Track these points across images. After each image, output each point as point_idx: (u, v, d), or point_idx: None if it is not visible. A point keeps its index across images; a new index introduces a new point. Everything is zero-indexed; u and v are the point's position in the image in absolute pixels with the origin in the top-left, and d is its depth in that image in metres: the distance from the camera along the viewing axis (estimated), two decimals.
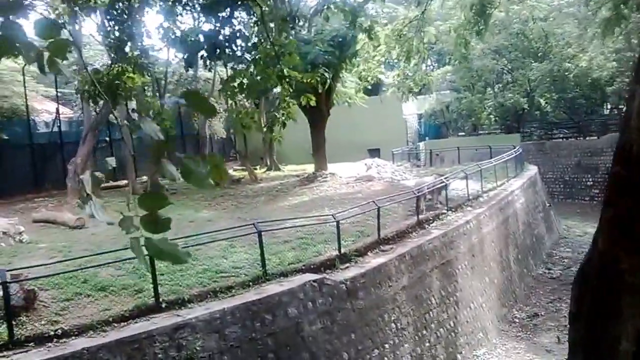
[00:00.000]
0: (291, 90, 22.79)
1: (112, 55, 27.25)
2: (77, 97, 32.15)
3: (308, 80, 25.10)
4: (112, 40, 25.95)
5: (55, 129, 42.98)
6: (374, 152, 54.42)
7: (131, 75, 25.75)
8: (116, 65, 25.90)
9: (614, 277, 5.93)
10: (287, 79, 22.18)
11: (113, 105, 27.69)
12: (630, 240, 5.87)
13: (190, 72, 52.46)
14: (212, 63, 24.21)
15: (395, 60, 37.43)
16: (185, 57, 22.91)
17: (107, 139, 46.17)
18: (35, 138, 41.68)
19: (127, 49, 24.69)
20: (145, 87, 45.52)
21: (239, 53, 23.74)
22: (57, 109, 43.20)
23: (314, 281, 17.49)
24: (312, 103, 24.70)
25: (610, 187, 6.14)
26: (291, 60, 21.47)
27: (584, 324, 6.41)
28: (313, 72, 31.30)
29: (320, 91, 38.10)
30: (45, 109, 45.16)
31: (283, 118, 27.57)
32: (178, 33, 22.69)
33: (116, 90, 25.71)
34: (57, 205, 32.36)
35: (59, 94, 43.07)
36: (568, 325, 6.92)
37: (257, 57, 22.03)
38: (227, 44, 22.40)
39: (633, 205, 5.77)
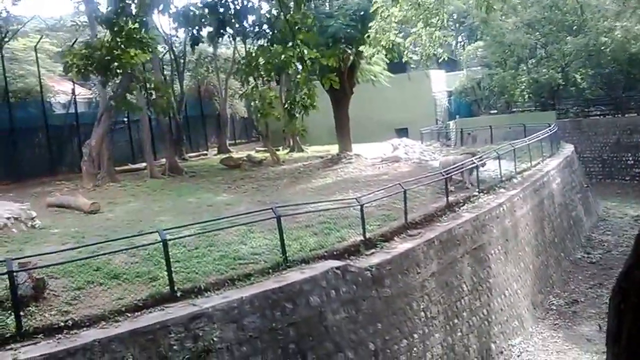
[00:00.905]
0: (313, 72, 22.52)
1: (103, 28, 26.84)
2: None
3: (329, 60, 24.75)
4: (101, 13, 25.52)
5: (72, 110, 43.01)
6: (402, 132, 54.16)
7: (127, 51, 25.44)
8: (109, 40, 25.55)
9: None
10: (308, 61, 21.85)
11: (104, 82, 27.50)
12: None
13: (210, 50, 52.50)
14: (219, 40, 23.87)
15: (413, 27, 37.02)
16: (189, 33, 22.49)
17: (125, 120, 46.13)
18: (51, 119, 41.94)
19: (121, 23, 24.33)
20: (164, 66, 45.59)
21: (249, 29, 23.29)
22: (73, 89, 43.24)
23: (337, 268, 17.31)
24: (335, 85, 24.40)
25: None
26: (309, 37, 21.12)
27: (625, 349, 5.66)
28: (334, 47, 30.97)
29: (342, 69, 37.97)
30: (63, 90, 45.20)
31: (303, 101, 27.17)
32: (180, 6, 22.19)
33: (108, 66, 25.46)
34: (73, 189, 32.45)
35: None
36: (606, 348, 6.18)
37: (272, 34, 21.64)
38: (235, 19, 22.01)
39: None
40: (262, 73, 26.44)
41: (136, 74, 29.36)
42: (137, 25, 25.18)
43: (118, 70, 27.95)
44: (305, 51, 23.40)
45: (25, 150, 39.45)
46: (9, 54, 41.36)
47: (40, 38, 41.77)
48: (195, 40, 22.24)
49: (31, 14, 49.23)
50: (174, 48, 50.65)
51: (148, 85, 35.39)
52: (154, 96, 35.62)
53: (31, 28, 48.33)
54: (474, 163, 28.08)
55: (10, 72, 40.44)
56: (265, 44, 25.33)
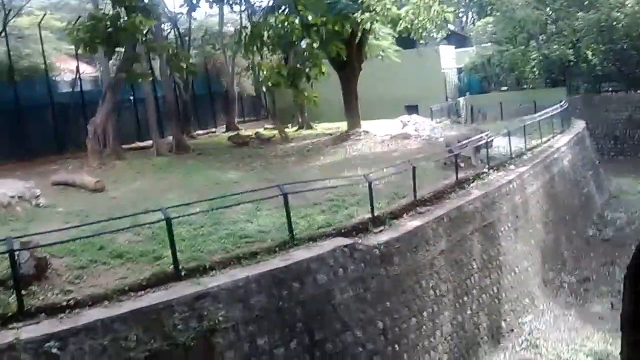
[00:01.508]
0: (320, 40, 22.30)
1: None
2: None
3: (336, 27, 24.47)
4: None
5: (78, 88, 42.93)
6: (412, 109, 53.83)
7: (132, 20, 25.23)
8: (115, 10, 25.37)
9: None
10: (314, 27, 21.60)
11: (110, 54, 27.27)
12: None
13: (216, 27, 52.29)
14: (217, 5, 23.61)
15: None
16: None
17: (131, 97, 45.96)
18: (56, 98, 41.86)
19: None
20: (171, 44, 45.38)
21: None
22: (77, 67, 43.14)
23: (345, 246, 17.25)
24: (342, 53, 24.15)
25: None
26: (315, 5, 20.85)
27: None
28: (341, 21, 30.72)
29: (351, 43, 37.72)
30: (69, 68, 45.11)
31: (308, 70, 26.91)
32: None
33: (114, 36, 25.27)
34: (78, 167, 32.35)
35: (80, 52, 42.87)
36: (621, 334, 5.77)
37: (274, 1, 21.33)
38: None
39: None
40: (267, 42, 26.26)
41: (143, 41, 29.04)
42: None
43: (124, 41, 27.74)
44: (310, 17, 23.24)
45: (31, 129, 39.24)
46: (15, 31, 41.22)
47: (44, 15, 41.49)
48: (192, 7, 22.06)
49: None
50: (178, 26, 50.47)
51: (157, 51, 35.13)
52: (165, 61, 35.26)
53: (36, 5, 48.07)
54: (481, 140, 27.90)
55: (15, 51, 40.23)
56: (268, 12, 25.26)
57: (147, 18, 27.61)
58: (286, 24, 25.60)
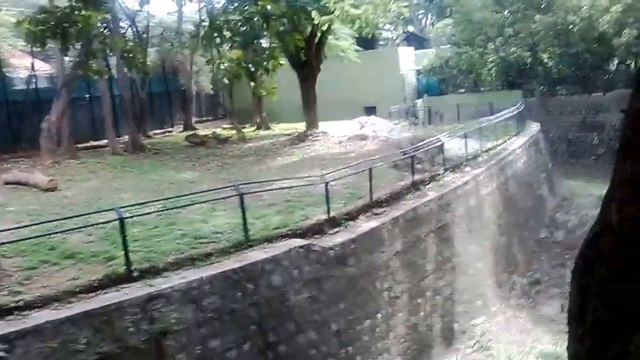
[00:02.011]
0: (277, 33, 22.20)
1: None
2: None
3: (294, 18, 24.40)
4: None
5: (33, 85, 42.58)
6: (370, 110, 54.20)
7: (84, 13, 24.96)
8: (68, 4, 25.07)
9: (634, 267, 4.60)
10: (273, 17, 21.46)
11: (64, 49, 26.94)
12: None
13: (175, 25, 52.06)
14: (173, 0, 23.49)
15: None
16: None
17: (87, 96, 45.50)
18: (10, 95, 41.48)
19: None
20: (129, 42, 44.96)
21: None
22: (33, 64, 42.81)
23: (301, 247, 17.20)
24: (301, 44, 24.05)
25: (632, 131, 4.79)
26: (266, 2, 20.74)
27: (589, 333, 5.14)
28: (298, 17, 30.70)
29: (309, 43, 37.69)
30: (25, 65, 44.71)
31: (266, 64, 26.85)
32: None
33: (65, 30, 24.97)
34: (31, 166, 32.06)
35: (36, 49, 42.56)
36: (568, 328, 5.71)
37: None
38: None
39: None
40: (225, 37, 26.14)
41: (98, 36, 28.76)
42: None
43: (75, 35, 27.44)
44: (269, 7, 23.13)
45: None
46: None
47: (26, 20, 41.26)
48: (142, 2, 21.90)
49: None
50: (137, 23, 50.18)
51: (113, 47, 34.83)
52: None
53: None
54: (434, 143, 28.05)
55: None
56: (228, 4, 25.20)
57: (97, 11, 27.29)
58: (245, 14, 25.44)
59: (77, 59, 34.17)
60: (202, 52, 44.83)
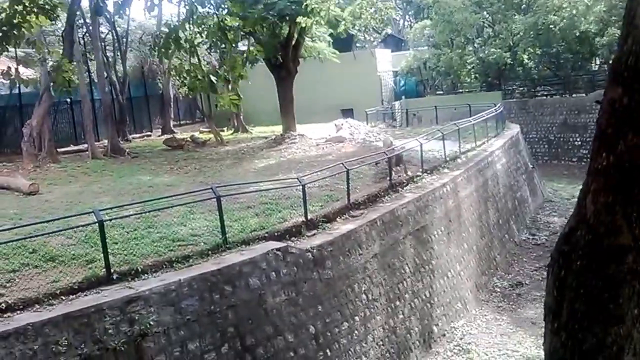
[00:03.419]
0: (233, 45, 22.36)
1: None
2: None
3: (252, 27, 24.60)
4: None
5: (15, 91, 42.85)
6: (347, 113, 54.22)
7: (29, 18, 25.07)
8: (12, 6, 25.16)
9: (609, 259, 4.80)
10: (230, 30, 21.68)
11: (0, 51, 27.03)
12: (638, 201, 4.72)
13: (154, 28, 52.32)
14: (127, 10, 23.60)
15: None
16: (94, 2, 22.29)
17: (68, 100, 45.78)
18: None
19: None
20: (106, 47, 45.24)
21: None
22: (17, 69, 42.98)
23: (278, 249, 17.44)
24: (261, 55, 24.22)
25: (606, 121, 4.87)
26: (236, 7, 21.02)
27: (565, 326, 5.21)
28: (279, 23, 30.94)
29: (285, 46, 38.00)
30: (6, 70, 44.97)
31: (226, 75, 26.90)
32: None
33: (7, 33, 25.08)
34: (13, 170, 32.28)
35: (20, 54, 42.82)
36: (544, 325, 5.72)
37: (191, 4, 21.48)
38: None
39: None
40: (184, 46, 26.22)
41: (37, 45, 28.88)
42: None
43: (18, 39, 27.49)
44: (227, 19, 23.31)
45: None
46: None
47: None
48: (98, 10, 22.05)
49: None
50: (116, 28, 50.54)
51: (48, 58, 34.88)
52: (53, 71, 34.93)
53: None
54: (411, 146, 28.44)
55: None
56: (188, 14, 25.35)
57: (46, 17, 27.38)
58: (202, 26, 25.58)
59: (54, 65, 34.26)
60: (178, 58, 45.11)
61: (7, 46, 27.59)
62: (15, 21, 25.29)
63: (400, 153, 27.44)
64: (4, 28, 25.52)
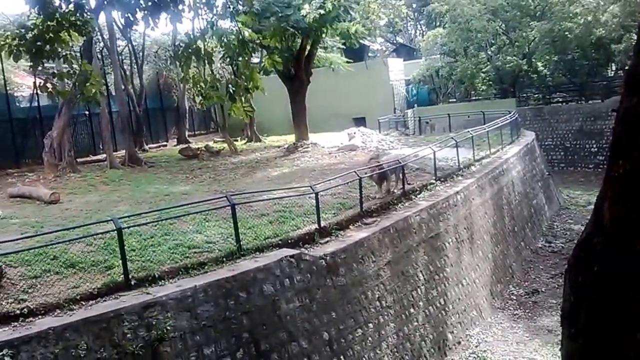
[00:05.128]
0: (252, 55, 22.71)
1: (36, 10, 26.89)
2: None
3: (271, 41, 25.00)
4: None
5: (35, 103, 43.65)
6: (360, 121, 54.68)
7: (59, 34, 25.54)
8: (44, 22, 25.64)
9: (627, 265, 4.78)
10: (251, 44, 22.04)
11: (34, 65, 27.54)
12: None
13: (169, 42, 53.22)
14: (155, 22, 23.97)
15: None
16: (123, 16, 22.72)
17: (87, 112, 46.78)
18: (15, 113, 42.86)
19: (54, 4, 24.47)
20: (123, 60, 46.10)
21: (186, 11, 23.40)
22: (35, 83, 43.76)
23: (291, 256, 17.70)
24: (279, 67, 24.62)
25: (622, 129, 4.95)
26: (249, 20, 21.44)
27: (582, 332, 5.30)
28: (294, 35, 31.39)
29: (298, 56, 38.47)
30: (27, 84, 45.77)
31: (245, 84, 27.25)
32: None
33: (40, 48, 25.55)
34: (35, 180, 32.93)
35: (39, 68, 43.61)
36: (561, 332, 5.80)
37: (212, 19, 21.89)
38: (171, 1, 22.29)
39: None
40: (202, 57, 26.65)
41: (68, 58, 29.40)
42: (71, 7, 25.38)
43: (49, 53, 27.98)
44: (246, 33, 23.71)
45: None
46: None
47: (4, 34, 42.24)
48: (128, 23, 22.48)
49: None
50: (133, 42, 51.39)
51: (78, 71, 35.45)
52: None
53: None
54: (425, 153, 28.67)
55: None
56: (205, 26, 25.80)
57: (79, 33, 27.92)
58: (223, 39, 25.99)
59: (77, 79, 34.86)
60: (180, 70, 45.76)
61: (41, 61, 28.09)
62: (47, 36, 25.78)
63: (413, 160, 27.76)
64: (38, 43, 26.00)
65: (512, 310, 27.64)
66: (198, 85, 30.37)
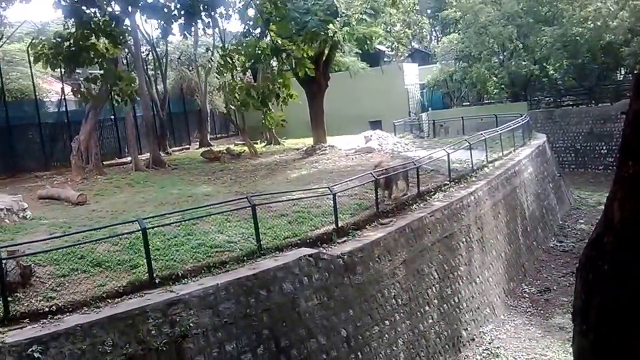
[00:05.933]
0: (290, 63, 22.86)
1: (71, 20, 27.04)
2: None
3: (306, 49, 25.09)
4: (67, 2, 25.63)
5: (63, 108, 43.97)
6: (376, 124, 54.89)
7: (94, 42, 25.68)
8: (79, 31, 25.78)
9: (636, 266, 4.78)
10: (284, 51, 22.15)
11: (69, 72, 27.76)
12: None
13: (191, 48, 53.51)
14: (191, 31, 24.06)
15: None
16: (160, 25, 22.85)
17: (113, 117, 47.07)
18: (43, 117, 43.03)
19: (89, 14, 24.60)
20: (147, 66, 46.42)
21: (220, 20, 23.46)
22: (62, 89, 44.14)
23: (310, 256, 17.78)
24: (311, 72, 24.70)
25: (631, 132, 4.95)
26: (281, 28, 21.51)
27: (593, 328, 5.24)
28: (311, 39, 31.46)
29: (318, 62, 38.53)
30: (55, 90, 46.17)
31: (278, 91, 27.35)
32: None
33: (75, 57, 25.70)
34: (62, 182, 33.14)
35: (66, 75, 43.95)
36: (572, 329, 5.73)
37: (245, 28, 22.00)
38: (205, 11, 22.37)
39: None
40: (237, 64, 26.78)
41: (104, 66, 29.60)
42: (106, 18, 25.52)
43: (84, 61, 28.17)
44: (279, 41, 23.80)
45: (20, 147, 41.00)
46: (7, 57, 44.12)
47: (32, 40, 42.57)
48: (165, 33, 22.60)
49: (23, 19, 49.79)
50: (156, 48, 51.62)
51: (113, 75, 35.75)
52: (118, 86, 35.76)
53: (25, 32, 49.10)
54: (439, 155, 28.64)
55: (6, 74, 41.97)
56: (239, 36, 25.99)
57: (114, 45, 28.10)
58: (257, 48, 26.07)
59: (102, 88, 35.21)
60: (216, 76, 45.86)
61: (75, 67, 28.33)
62: (82, 44, 25.96)
63: (428, 162, 27.77)
64: (73, 49, 26.17)
65: (525, 308, 27.62)
66: (234, 92, 30.49)
